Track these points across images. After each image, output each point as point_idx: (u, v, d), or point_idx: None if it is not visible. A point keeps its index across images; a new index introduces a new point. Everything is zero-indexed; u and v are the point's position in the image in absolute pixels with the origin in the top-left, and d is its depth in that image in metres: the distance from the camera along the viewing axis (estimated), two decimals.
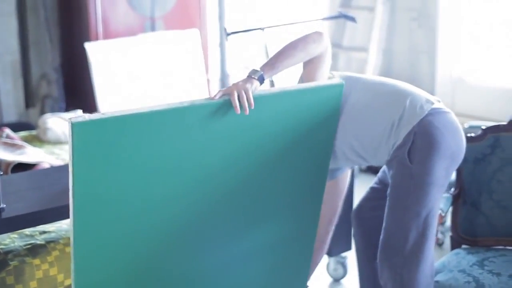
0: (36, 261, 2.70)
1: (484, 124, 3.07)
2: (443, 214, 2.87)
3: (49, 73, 5.90)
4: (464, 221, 3.00)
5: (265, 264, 2.91)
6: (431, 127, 2.61)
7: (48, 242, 2.80)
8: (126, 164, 2.27)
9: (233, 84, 2.42)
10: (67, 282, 2.75)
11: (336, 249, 3.69)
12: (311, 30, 2.69)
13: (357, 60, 5.90)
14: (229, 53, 6.43)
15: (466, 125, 3.92)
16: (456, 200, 3.00)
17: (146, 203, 2.38)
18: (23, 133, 4.40)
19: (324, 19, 4.30)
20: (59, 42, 5.91)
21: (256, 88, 2.44)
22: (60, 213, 2.62)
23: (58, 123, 4.30)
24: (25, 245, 2.77)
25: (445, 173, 2.64)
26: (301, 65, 2.73)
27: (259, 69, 2.51)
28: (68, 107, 5.79)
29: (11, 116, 5.81)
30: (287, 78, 3.49)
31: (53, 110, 5.81)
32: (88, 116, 2.12)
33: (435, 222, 2.67)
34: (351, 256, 3.83)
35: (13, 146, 3.71)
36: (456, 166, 2.72)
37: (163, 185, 2.39)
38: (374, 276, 2.92)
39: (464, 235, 3.01)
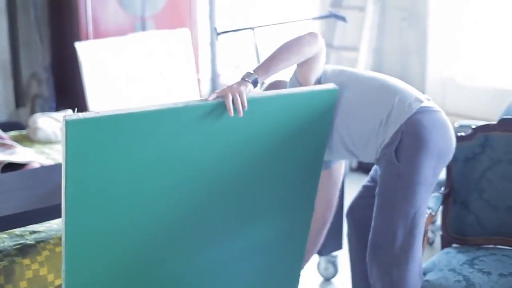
0: (26, 261, 2.70)
1: (474, 124, 3.07)
2: (433, 214, 2.88)
3: (39, 72, 5.89)
4: (454, 220, 3.01)
5: (257, 263, 2.91)
6: (419, 125, 2.61)
7: (38, 242, 2.79)
8: (119, 164, 2.26)
9: (228, 87, 2.42)
10: (57, 282, 2.75)
11: (327, 248, 3.70)
12: (305, 31, 2.68)
13: (347, 60, 5.91)
14: (220, 52, 6.44)
15: (456, 125, 3.93)
16: (446, 199, 3.01)
17: (138, 203, 2.38)
18: (13, 133, 4.39)
19: (314, 18, 4.31)
20: (49, 41, 5.89)
21: (250, 91, 2.45)
22: (50, 213, 2.61)
23: (48, 123, 4.29)
24: (15, 245, 2.76)
25: (432, 172, 2.64)
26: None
27: (253, 72, 2.51)
28: (59, 107, 5.77)
29: (1, 115, 5.79)
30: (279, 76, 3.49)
31: (43, 109, 5.79)
32: (82, 115, 2.12)
33: (423, 221, 2.67)
34: (341, 256, 3.84)
35: (3, 146, 3.70)
36: (444, 165, 2.72)
37: (156, 185, 2.39)
38: (368, 276, 2.92)
39: (454, 234, 3.02)
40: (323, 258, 3.80)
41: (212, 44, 6.30)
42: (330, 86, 2.68)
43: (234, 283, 2.87)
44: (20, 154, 3.61)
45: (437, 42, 5.43)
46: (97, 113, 2.16)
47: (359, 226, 2.97)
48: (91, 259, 2.37)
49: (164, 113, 2.28)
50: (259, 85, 2.52)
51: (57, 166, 3.13)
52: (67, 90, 5.74)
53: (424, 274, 2.79)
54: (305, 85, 2.72)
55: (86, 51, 5.02)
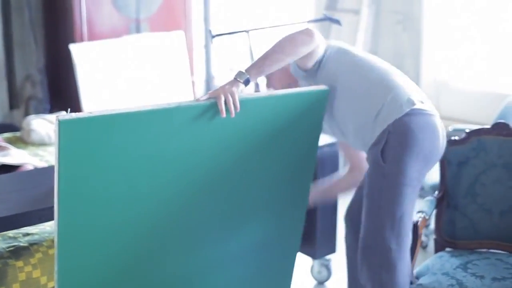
0: (19, 263, 2.69)
1: (468, 128, 3.07)
2: (427, 217, 2.88)
3: (33, 74, 5.87)
4: (447, 224, 3.01)
5: (250, 262, 2.92)
6: (405, 128, 2.60)
7: (32, 244, 2.78)
8: (112, 164, 2.27)
9: (220, 87, 2.43)
10: (50, 285, 2.74)
11: (321, 251, 3.69)
12: (301, 28, 2.68)
13: None
14: (214, 55, 6.44)
15: (450, 128, 3.94)
16: (440, 203, 3.01)
17: (131, 203, 2.38)
18: (7, 135, 4.37)
19: (309, 21, 4.31)
20: (43, 43, 5.88)
21: (241, 90, 2.46)
22: (44, 215, 2.61)
23: (42, 125, 4.28)
24: (8, 247, 2.75)
25: (417, 175, 2.64)
26: None
27: (245, 72, 2.51)
28: (53, 109, 5.76)
29: None
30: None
31: (38, 111, 5.77)
32: (75, 115, 2.13)
33: (410, 222, 2.67)
34: (335, 259, 3.84)
35: None
36: (430, 169, 2.72)
37: (149, 185, 2.40)
38: None
39: (448, 238, 3.02)
40: (317, 262, 3.80)
41: (207, 47, 6.29)
42: (321, 87, 2.70)
43: (226, 283, 2.88)
44: (14, 156, 3.60)
45: (431, 45, 5.43)
46: (90, 113, 2.17)
47: (356, 228, 2.97)
48: (84, 260, 2.38)
49: (156, 114, 2.29)
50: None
51: (51, 168, 3.12)
52: (62, 92, 5.73)
53: (418, 278, 2.79)
54: (304, 69, 2.76)
55: (81, 53, 5.00)
